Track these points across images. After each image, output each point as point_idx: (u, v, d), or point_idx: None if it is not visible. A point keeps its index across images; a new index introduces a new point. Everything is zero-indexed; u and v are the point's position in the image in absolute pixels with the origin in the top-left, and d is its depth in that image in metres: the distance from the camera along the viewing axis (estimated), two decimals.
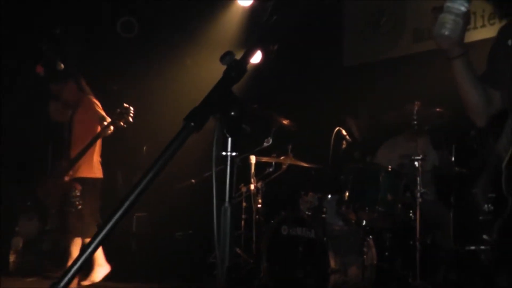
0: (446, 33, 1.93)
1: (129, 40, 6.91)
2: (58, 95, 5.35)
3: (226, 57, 1.33)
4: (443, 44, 1.99)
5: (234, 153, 1.35)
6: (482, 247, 2.12)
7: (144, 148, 5.90)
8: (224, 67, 1.36)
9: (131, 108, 5.03)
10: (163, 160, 1.25)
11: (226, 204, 1.32)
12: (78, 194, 4.91)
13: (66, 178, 5.02)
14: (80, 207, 4.92)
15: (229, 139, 1.34)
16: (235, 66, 1.32)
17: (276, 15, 1.62)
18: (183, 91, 6.82)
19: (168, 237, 6.52)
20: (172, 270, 5.54)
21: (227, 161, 1.34)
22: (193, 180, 5.75)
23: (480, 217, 2.08)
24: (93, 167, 5.15)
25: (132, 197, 1.23)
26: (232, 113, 1.32)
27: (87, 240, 4.91)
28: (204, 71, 6.69)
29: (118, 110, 5.01)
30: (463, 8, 1.92)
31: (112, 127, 5.01)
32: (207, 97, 1.29)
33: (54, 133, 6.44)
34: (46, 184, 5.18)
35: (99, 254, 5.03)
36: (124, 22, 6.91)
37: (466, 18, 1.94)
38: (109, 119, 5.05)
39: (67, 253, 5.01)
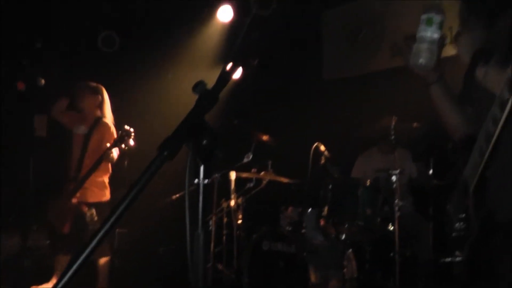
0: (423, 62, 1.98)
1: (110, 54, 6.92)
2: (73, 97, 5.22)
3: (198, 86, 1.37)
4: (419, 72, 2.03)
5: (206, 181, 1.38)
6: (457, 258, 2.15)
7: (126, 162, 5.89)
8: None
9: (132, 130, 4.91)
10: (138, 188, 1.28)
11: (199, 230, 1.35)
12: (96, 219, 4.85)
13: (74, 200, 4.91)
14: None
15: (202, 167, 1.37)
16: (207, 96, 1.35)
17: (256, 31, 1.66)
18: (164, 105, 6.85)
19: (151, 252, 6.51)
20: (155, 286, 5.53)
21: (199, 188, 1.37)
22: (174, 197, 5.75)
23: (453, 234, 2.12)
24: (104, 189, 5.08)
25: (107, 226, 1.26)
26: (204, 142, 1.35)
27: (103, 259, 5.01)
28: (185, 85, 6.72)
29: (120, 132, 4.89)
30: (436, 36, 1.96)
31: (115, 151, 4.92)
32: (179, 126, 1.33)
33: (36, 147, 6.43)
34: (57, 205, 5.03)
35: None
36: (105, 36, 6.92)
37: (441, 44, 1.99)
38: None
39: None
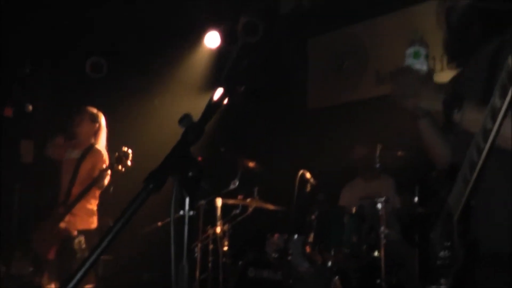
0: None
1: (98, 80, 6.94)
2: (68, 127, 5.16)
3: (184, 120, 1.40)
4: (408, 107, 2.05)
5: (191, 212, 1.39)
6: (442, 287, 2.16)
7: (111, 188, 5.86)
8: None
9: (130, 151, 4.84)
10: (124, 219, 1.31)
11: (184, 262, 1.36)
12: (84, 247, 4.73)
13: (62, 225, 4.81)
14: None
15: (187, 199, 1.39)
16: (192, 129, 1.38)
17: (245, 59, 1.69)
18: (149, 131, 6.86)
19: (135, 279, 6.45)
20: None
21: (184, 220, 1.39)
22: (159, 223, 5.72)
23: (438, 262, 2.14)
24: (93, 216, 5.00)
25: (94, 256, 1.28)
26: (190, 174, 1.37)
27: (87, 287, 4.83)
28: (172, 111, 6.76)
29: (117, 154, 4.82)
30: (424, 67, 1.99)
31: (108, 174, 4.84)
32: (165, 159, 1.35)
33: (22, 174, 6.38)
34: (44, 229, 4.93)
35: None
36: (93, 62, 6.95)
37: (429, 77, 2.01)
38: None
39: None
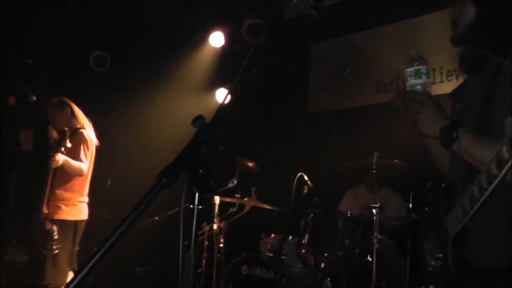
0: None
1: (101, 74, 6.99)
2: (52, 121, 5.10)
3: (197, 121, 1.49)
4: (416, 127, 2.07)
5: (200, 206, 1.49)
6: (431, 287, 2.21)
7: (109, 181, 5.93)
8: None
9: (67, 129, 4.67)
10: (137, 211, 1.40)
11: (191, 252, 1.46)
12: (55, 237, 4.60)
13: (41, 216, 4.72)
14: (56, 251, 4.59)
15: (197, 194, 1.48)
16: (205, 130, 1.48)
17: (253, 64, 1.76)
18: (149, 127, 6.93)
19: (128, 273, 6.45)
20: None
21: (193, 213, 1.48)
22: (156, 218, 5.78)
23: (429, 269, 2.21)
24: (73, 208, 4.89)
25: (105, 247, 1.36)
26: (200, 171, 1.46)
27: None
28: (173, 108, 6.84)
29: (58, 137, 4.70)
30: (427, 81, 2.05)
31: (57, 158, 4.63)
32: (178, 156, 1.44)
33: (19, 161, 6.42)
34: (33, 223, 4.82)
35: None
36: (97, 56, 7.00)
37: (429, 101, 2.02)
38: (84, 162, 4.85)
39: None
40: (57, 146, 4.65)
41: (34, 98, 5.67)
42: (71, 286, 1.33)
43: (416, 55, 2.08)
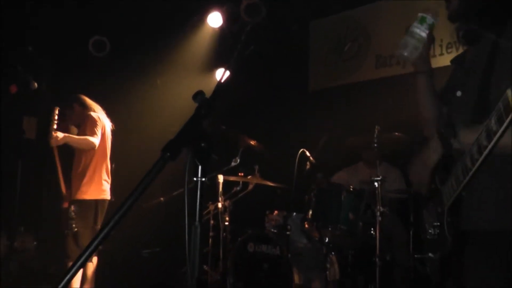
0: (405, 54, 2.18)
1: (100, 59, 6.99)
2: (68, 119, 5.24)
3: (198, 96, 1.53)
4: (411, 59, 2.21)
5: (203, 179, 1.53)
6: (430, 254, 2.28)
7: (112, 165, 5.97)
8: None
9: (56, 108, 4.92)
10: (143, 185, 1.44)
11: (197, 223, 1.50)
12: (73, 216, 4.80)
13: (65, 201, 4.94)
14: (76, 230, 4.80)
15: (200, 167, 1.52)
16: (205, 105, 1.51)
17: (250, 42, 1.79)
18: (151, 110, 6.95)
19: (135, 255, 6.54)
20: None
21: (197, 185, 1.52)
22: (162, 198, 5.83)
23: (428, 237, 2.27)
24: (91, 187, 4.98)
25: (112, 222, 1.41)
26: (202, 145, 1.50)
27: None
28: (173, 90, 6.85)
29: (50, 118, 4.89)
30: (423, 34, 2.15)
31: (56, 136, 4.84)
32: (180, 131, 1.48)
33: (25, 150, 6.45)
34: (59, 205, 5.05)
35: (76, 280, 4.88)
36: (96, 41, 7.00)
37: (429, 41, 2.18)
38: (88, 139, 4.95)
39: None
40: (49, 125, 4.83)
41: (36, 85, 5.69)
42: (81, 260, 1.37)
43: (433, 8, 2.20)
